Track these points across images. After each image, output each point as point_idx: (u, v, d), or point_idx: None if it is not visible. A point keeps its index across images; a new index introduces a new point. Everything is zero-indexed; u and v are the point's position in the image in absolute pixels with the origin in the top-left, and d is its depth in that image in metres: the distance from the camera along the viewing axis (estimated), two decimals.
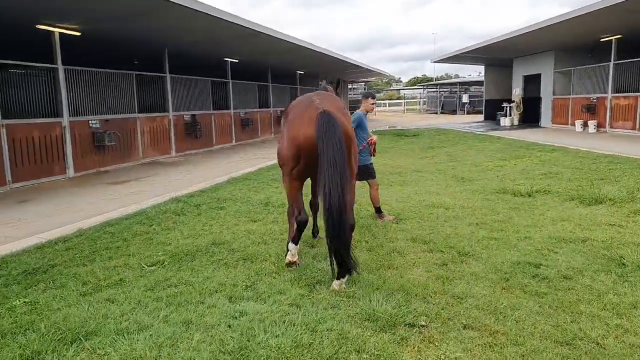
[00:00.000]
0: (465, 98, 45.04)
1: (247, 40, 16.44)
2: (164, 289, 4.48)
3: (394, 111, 65.15)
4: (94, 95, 13.25)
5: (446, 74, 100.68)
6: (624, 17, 17.05)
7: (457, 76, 78.46)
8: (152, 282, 4.66)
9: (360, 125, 6.82)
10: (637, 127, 19.84)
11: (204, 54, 19.52)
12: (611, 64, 21.23)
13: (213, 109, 19.55)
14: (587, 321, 3.87)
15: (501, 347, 3.46)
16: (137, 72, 15.14)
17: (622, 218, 6.94)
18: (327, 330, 3.60)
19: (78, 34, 12.72)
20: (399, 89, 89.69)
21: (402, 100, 69.85)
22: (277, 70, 26.71)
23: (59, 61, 12.06)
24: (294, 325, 3.65)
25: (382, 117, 50.91)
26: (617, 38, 20.54)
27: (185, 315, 3.84)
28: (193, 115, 17.67)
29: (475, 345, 3.47)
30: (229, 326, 3.67)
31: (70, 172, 12.07)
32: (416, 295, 4.30)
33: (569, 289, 4.49)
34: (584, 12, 17.01)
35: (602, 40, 21.09)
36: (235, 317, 3.82)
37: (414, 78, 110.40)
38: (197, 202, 8.27)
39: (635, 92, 20.21)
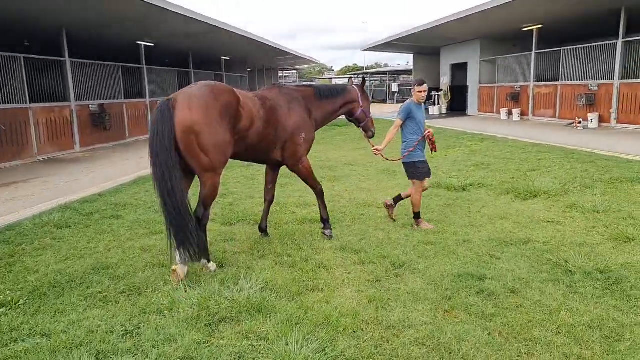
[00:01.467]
0: (395, 87, 45.26)
1: (159, 20, 14.91)
2: (4, 345, 3.29)
3: None
4: None
5: (376, 64, 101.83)
6: (544, 6, 17.24)
7: (387, 65, 79.40)
8: None
9: (410, 117, 6.02)
10: (557, 114, 20.41)
11: (112, 36, 17.63)
12: (533, 53, 21.67)
13: (125, 98, 17.78)
14: (544, 351, 3.25)
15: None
16: (26, 55, 13.01)
17: (559, 214, 6.58)
18: None
19: None
20: (331, 78, 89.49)
21: None
22: (200, 56, 25.11)
23: None
24: None
25: None
26: (538, 28, 20.93)
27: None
28: (101, 105, 15.83)
29: None
30: None
31: None
32: (344, 329, 3.48)
33: (518, 307, 3.88)
34: (506, 1, 17.02)
35: (524, 29, 21.43)
36: None
37: (346, 67, 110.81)
38: (89, 210, 6.94)
39: (555, 81, 20.75)
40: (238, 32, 19.85)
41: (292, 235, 5.67)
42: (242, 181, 9.19)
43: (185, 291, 4.04)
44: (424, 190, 6.20)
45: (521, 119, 22.11)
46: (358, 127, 6.41)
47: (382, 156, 6.25)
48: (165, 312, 3.70)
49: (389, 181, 9.08)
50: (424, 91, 6.06)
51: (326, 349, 3.20)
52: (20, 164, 12.23)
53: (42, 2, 11.38)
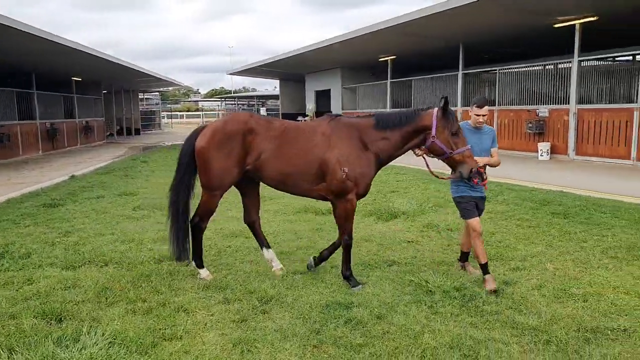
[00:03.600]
0: (263, 111, 45.68)
1: None
2: None
3: (193, 123, 62.78)
4: None
5: (244, 87, 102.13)
6: (396, 40, 18.76)
7: (254, 90, 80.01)
8: None
9: None
10: None
11: None
12: (388, 81, 23.37)
13: None
14: None
15: None
16: None
17: (417, 233, 6.93)
18: None
19: None
20: (197, 101, 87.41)
21: (200, 112, 67.89)
22: (47, 76, 22.70)
23: None
24: None
25: (179, 129, 48.31)
26: (392, 59, 22.68)
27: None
28: None
29: None
30: None
31: None
32: None
33: (384, 334, 3.89)
34: (364, 33, 18.22)
35: (380, 60, 23.09)
36: None
37: (213, 90, 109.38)
38: None
39: (408, 106, 22.56)
40: (89, 52, 18.33)
41: (148, 276, 5.11)
42: (91, 215, 8.22)
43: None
44: (478, 235, 4.94)
45: None
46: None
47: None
48: None
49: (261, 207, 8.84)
50: (482, 115, 4.90)
51: None
52: None
53: None
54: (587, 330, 3.90)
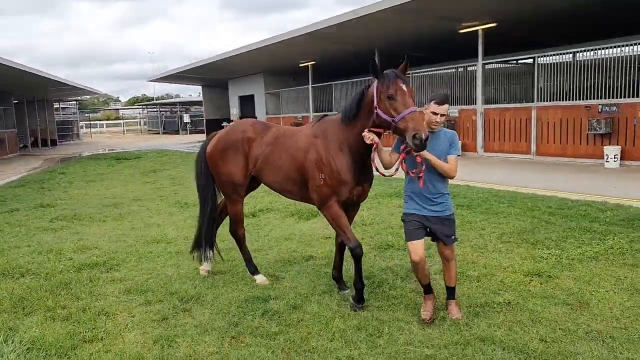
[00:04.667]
0: (186, 118, 44.82)
1: None
2: None
3: (113, 132, 60.32)
4: None
5: (167, 94, 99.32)
6: (315, 45, 19.34)
7: (177, 96, 78.10)
8: None
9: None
10: None
11: None
12: (310, 86, 23.94)
13: None
14: (320, 359, 3.61)
15: None
16: None
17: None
18: None
19: None
20: (118, 109, 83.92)
21: (121, 121, 65.30)
22: None
23: None
24: None
25: (99, 139, 46.33)
26: (312, 64, 23.27)
27: None
28: None
29: None
30: None
31: None
32: None
33: (299, 322, 4.23)
34: (282, 39, 18.66)
35: (301, 65, 23.60)
36: None
37: (134, 98, 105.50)
38: None
39: (330, 111, 23.24)
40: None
41: (68, 284, 5.14)
42: (5, 229, 7.94)
43: None
44: (414, 263, 4.14)
45: None
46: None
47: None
48: None
49: (180, 214, 8.95)
50: (440, 114, 4.00)
51: None
52: None
53: None
54: (477, 306, 4.45)
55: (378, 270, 5.48)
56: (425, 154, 3.92)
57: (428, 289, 4.32)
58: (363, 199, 4.78)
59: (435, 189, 4.12)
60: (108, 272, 5.56)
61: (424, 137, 3.68)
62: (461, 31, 16.46)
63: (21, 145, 30.89)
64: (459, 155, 4.13)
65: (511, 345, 3.68)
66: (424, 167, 4.03)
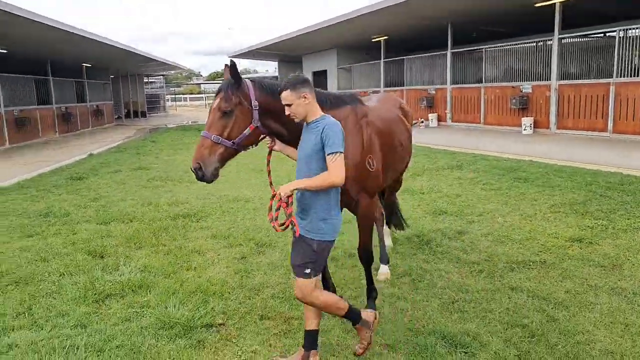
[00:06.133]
0: None
1: (9, 27, 14.18)
2: None
3: (195, 105, 63.77)
4: None
5: (245, 69, 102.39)
6: (386, 20, 19.56)
7: (255, 71, 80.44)
8: None
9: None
10: None
11: None
12: (382, 61, 24.21)
13: None
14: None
15: (295, 332, 3.68)
16: None
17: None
18: (117, 347, 3.35)
19: None
20: (200, 83, 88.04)
21: (203, 95, 68.69)
22: (60, 63, 23.71)
23: None
24: (77, 349, 3.30)
25: (183, 111, 49.40)
26: (385, 39, 23.48)
27: None
28: None
29: (272, 335, 3.62)
30: None
31: None
32: (214, 293, 4.29)
33: (352, 267, 5.00)
34: (358, 14, 19.05)
35: (373, 40, 23.87)
36: (2, 353, 3.28)
37: (214, 73, 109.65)
38: None
39: (401, 86, 23.44)
40: (97, 39, 19.30)
41: (166, 229, 6.28)
42: (112, 185, 9.42)
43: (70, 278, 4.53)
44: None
45: None
46: None
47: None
48: (54, 295, 4.19)
49: (255, 178, 9.96)
50: (286, 105, 3.02)
51: (199, 308, 3.97)
52: None
53: None
54: (514, 262, 4.99)
55: (428, 230, 6.09)
56: (287, 187, 2.89)
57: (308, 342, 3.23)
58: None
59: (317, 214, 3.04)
60: (197, 221, 6.64)
61: (191, 167, 3.18)
62: (537, 5, 16.07)
63: (116, 116, 33.96)
64: (339, 153, 2.90)
65: (536, 294, 4.23)
66: (289, 208, 2.92)
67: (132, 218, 6.79)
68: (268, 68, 76.08)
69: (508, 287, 4.40)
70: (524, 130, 16.90)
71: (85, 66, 26.95)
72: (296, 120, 3.06)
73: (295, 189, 2.93)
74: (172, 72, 51.66)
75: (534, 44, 18.00)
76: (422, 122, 20.63)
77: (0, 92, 17.84)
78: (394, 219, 5.57)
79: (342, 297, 3.60)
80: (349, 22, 20.33)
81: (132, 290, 4.30)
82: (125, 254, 5.31)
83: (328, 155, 2.90)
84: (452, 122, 20.23)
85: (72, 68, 26.02)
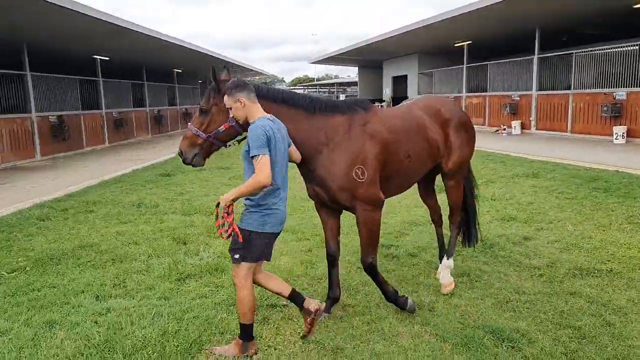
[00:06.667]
0: (342, 98, 47.19)
1: (114, 36, 15.79)
2: (25, 293, 4.41)
3: None
4: None
5: (327, 75, 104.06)
6: (471, 25, 19.26)
7: (337, 77, 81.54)
8: (12, 288, 4.55)
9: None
10: (486, 122, 22.53)
11: (71, 50, 18.30)
12: (464, 67, 23.80)
13: (83, 109, 18.44)
14: (424, 290, 4.57)
15: (350, 317, 3.99)
16: None
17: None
18: (194, 317, 3.86)
19: None
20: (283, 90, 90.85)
21: None
22: (153, 68, 25.83)
23: None
24: (161, 316, 3.85)
25: None
26: (467, 44, 23.08)
27: (48, 317, 3.85)
28: (60, 116, 16.47)
29: (329, 319, 3.95)
30: (96, 322, 3.78)
31: None
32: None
33: (413, 265, 5.21)
34: (440, 19, 18.95)
35: (456, 45, 23.55)
36: (102, 314, 3.92)
37: (297, 78, 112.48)
38: (64, 207, 7.90)
39: (484, 92, 22.89)
40: (188, 46, 20.83)
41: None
42: (197, 182, 10.31)
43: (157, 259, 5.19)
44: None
45: None
46: None
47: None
48: (144, 272, 4.85)
49: None
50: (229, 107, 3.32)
51: (266, 291, 4.39)
52: None
53: (4, 20, 12.08)
54: (579, 269, 4.94)
55: (493, 235, 6.13)
56: (227, 196, 3.25)
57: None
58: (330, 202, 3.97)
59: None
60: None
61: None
62: (637, 6, 15.12)
63: None
64: (261, 155, 3.09)
65: (596, 300, 4.21)
66: (230, 217, 3.30)
67: (213, 211, 7.41)
68: (350, 74, 76.87)
69: (567, 292, 4.41)
70: (615, 139, 15.90)
71: (176, 72, 29.06)
72: (240, 122, 3.38)
73: (235, 198, 3.21)
74: (257, 77, 53.91)
75: (630, 47, 16.91)
76: (505, 129, 20.04)
77: (103, 96, 19.85)
78: (467, 231, 5.23)
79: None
80: (429, 27, 20.28)
81: (209, 272, 4.84)
82: (205, 242, 5.92)
83: (252, 158, 3.14)
84: (536, 129, 19.47)
85: (165, 73, 28.17)
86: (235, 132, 3.66)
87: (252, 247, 3.30)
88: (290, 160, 3.62)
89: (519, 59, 20.61)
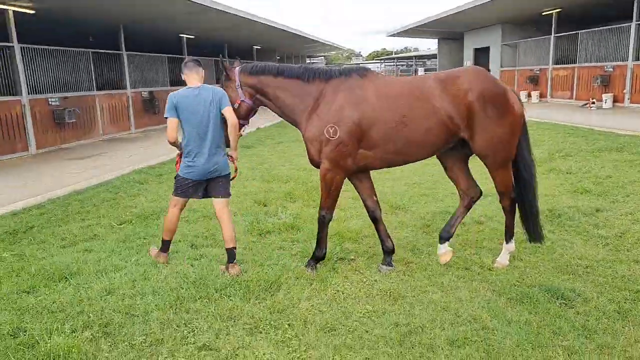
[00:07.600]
0: (421, 71, 46.23)
1: (200, 15, 16.74)
2: (133, 240, 5.23)
3: None
4: (51, 73, 13.40)
5: (406, 48, 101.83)
6: None
7: (416, 49, 79.60)
8: (122, 236, 5.40)
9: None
10: (574, 96, 21.32)
11: (159, 30, 19.65)
12: (552, 37, 22.54)
13: (171, 85, 19.82)
14: (486, 253, 4.81)
15: (412, 273, 4.35)
16: (94, 50, 15.25)
17: (539, 175, 7.94)
18: (273, 264, 4.42)
19: (32, 11, 12.78)
20: (359, 63, 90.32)
21: None
22: (235, 46, 26.93)
23: (15, 39, 12.16)
24: (245, 262, 4.45)
25: None
26: (557, 12, 21.78)
27: (153, 259, 4.57)
28: (151, 92, 17.91)
29: (392, 273, 4.35)
30: (191, 265, 4.46)
31: (32, 149, 12.32)
32: (349, 238, 5.16)
33: (479, 232, 5.43)
34: None
35: (543, 14, 22.30)
36: (197, 259, 4.61)
37: (374, 52, 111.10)
38: (158, 173, 8.89)
39: (572, 63, 21.61)
40: (268, 23, 21.54)
41: (316, 188, 7.33)
42: (275, 154, 11.03)
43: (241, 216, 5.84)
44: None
45: (540, 100, 23.07)
46: None
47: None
48: None
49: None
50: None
51: (336, 246, 4.87)
52: (91, 142, 14.40)
53: (105, 4, 13.32)
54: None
55: (563, 206, 6.15)
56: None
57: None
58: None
59: None
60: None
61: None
62: None
63: None
64: (167, 118, 4.75)
65: None
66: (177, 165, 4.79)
67: (289, 179, 8.02)
68: (430, 46, 74.79)
69: (632, 260, 4.47)
70: None
71: (256, 48, 30.01)
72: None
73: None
74: (333, 52, 54.13)
75: None
76: (594, 102, 18.89)
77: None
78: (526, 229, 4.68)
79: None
80: None
81: (286, 229, 5.42)
82: (283, 205, 6.50)
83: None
84: (630, 103, 18.20)
85: (245, 50, 29.21)
86: (248, 108, 4.47)
87: (179, 185, 4.47)
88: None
89: (614, 26, 19.21)
